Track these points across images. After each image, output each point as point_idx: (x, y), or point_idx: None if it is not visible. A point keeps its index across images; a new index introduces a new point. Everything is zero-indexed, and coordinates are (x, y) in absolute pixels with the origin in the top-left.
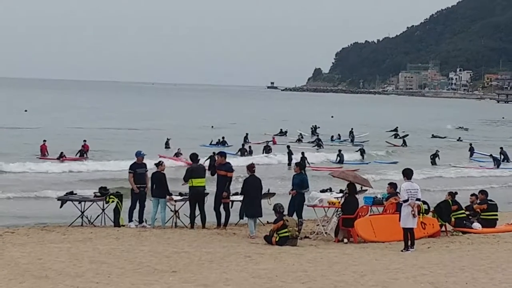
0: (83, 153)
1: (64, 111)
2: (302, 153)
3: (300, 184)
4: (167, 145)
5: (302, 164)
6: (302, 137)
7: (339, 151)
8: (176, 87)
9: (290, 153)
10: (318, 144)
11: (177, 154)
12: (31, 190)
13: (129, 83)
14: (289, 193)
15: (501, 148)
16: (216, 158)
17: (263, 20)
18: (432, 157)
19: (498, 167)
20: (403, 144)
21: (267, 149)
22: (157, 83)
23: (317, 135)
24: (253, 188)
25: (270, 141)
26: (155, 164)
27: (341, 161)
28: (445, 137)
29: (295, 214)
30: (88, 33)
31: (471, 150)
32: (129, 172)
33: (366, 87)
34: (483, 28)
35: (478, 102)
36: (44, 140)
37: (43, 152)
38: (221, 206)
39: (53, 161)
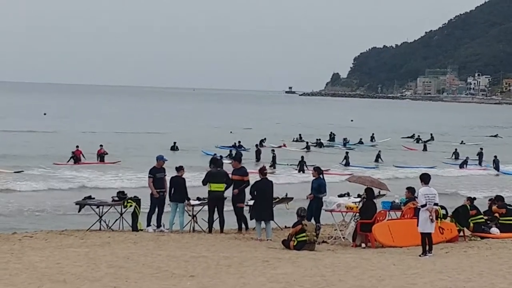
0: (98, 157)
1: (84, 115)
2: (302, 157)
3: (317, 188)
4: (173, 149)
5: (319, 168)
6: (321, 142)
7: (346, 153)
8: (194, 92)
9: (303, 163)
10: (308, 147)
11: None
12: None
13: (148, 87)
14: (307, 198)
15: (495, 156)
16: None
17: (282, 24)
18: (461, 163)
19: (498, 170)
20: (424, 149)
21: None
22: (173, 88)
23: (307, 141)
24: (261, 191)
25: (279, 146)
26: (176, 169)
27: (347, 163)
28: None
29: (312, 218)
30: (109, 38)
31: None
32: (149, 177)
33: (384, 92)
34: (502, 33)
35: (496, 107)
36: (77, 146)
37: (78, 157)
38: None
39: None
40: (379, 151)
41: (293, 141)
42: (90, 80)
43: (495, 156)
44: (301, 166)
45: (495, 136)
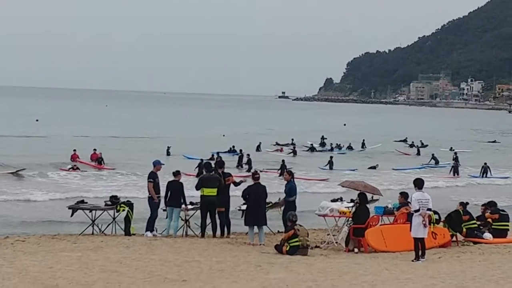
0: (96, 160)
1: (75, 120)
2: (283, 161)
3: (288, 192)
4: (168, 153)
5: (291, 171)
6: (314, 147)
7: (331, 157)
8: (187, 97)
9: (284, 167)
10: (294, 151)
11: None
12: None
13: (140, 92)
14: (279, 202)
15: (485, 163)
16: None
17: (275, 29)
18: (454, 171)
19: (485, 176)
20: (417, 153)
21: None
22: (168, 92)
23: (294, 145)
24: (254, 196)
25: (276, 150)
26: (173, 173)
27: (330, 167)
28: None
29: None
30: (99, 42)
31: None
32: (149, 181)
33: (378, 97)
34: (495, 39)
35: (489, 112)
36: (74, 150)
37: (75, 161)
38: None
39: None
40: (377, 164)
41: (278, 144)
42: (81, 85)
43: (485, 163)
44: (282, 170)
45: (494, 141)
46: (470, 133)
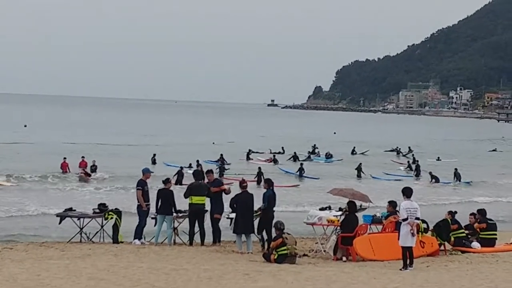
0: (94, 169)
1: (64, 127)
2: (259, 168)
3: (262, 200)
4: (153, 161)
5: (269, 180)
6: (297, 155)
7: (301, 164)
8: (176, 104)
9: (260, 174)
10: (275, 160)
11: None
12: None
13: (128, 99)
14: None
15: (456, 169)
16: (206, 176)
17: (264, 37)
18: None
19: (458, 181)
20: (413, 162)
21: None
22: (157, 100)
23: (274, 154)
24: (241, 204)
25: (266, 160)
26: (163, 181)
27: (301, 175)
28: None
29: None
30: (91, 49)
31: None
32: (138, 189)
33: (367, 106)
34: (484, 47)
35: (478, 121)
36: (64, 158)
37: (64, 170)
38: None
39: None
40: (360, 163)
41: (252, 152)
42: (71, 92)
43: (456, 169)
44: (259, 177)
45: (494, 150)
46: (466, 142)
